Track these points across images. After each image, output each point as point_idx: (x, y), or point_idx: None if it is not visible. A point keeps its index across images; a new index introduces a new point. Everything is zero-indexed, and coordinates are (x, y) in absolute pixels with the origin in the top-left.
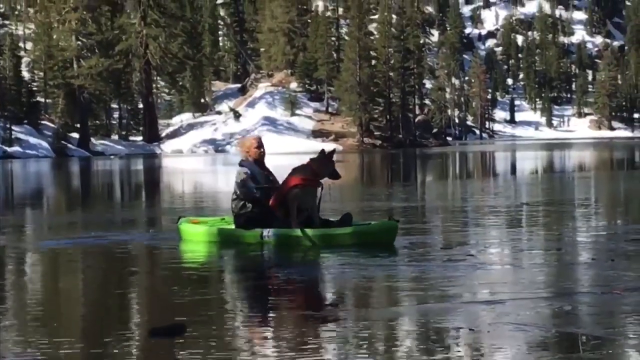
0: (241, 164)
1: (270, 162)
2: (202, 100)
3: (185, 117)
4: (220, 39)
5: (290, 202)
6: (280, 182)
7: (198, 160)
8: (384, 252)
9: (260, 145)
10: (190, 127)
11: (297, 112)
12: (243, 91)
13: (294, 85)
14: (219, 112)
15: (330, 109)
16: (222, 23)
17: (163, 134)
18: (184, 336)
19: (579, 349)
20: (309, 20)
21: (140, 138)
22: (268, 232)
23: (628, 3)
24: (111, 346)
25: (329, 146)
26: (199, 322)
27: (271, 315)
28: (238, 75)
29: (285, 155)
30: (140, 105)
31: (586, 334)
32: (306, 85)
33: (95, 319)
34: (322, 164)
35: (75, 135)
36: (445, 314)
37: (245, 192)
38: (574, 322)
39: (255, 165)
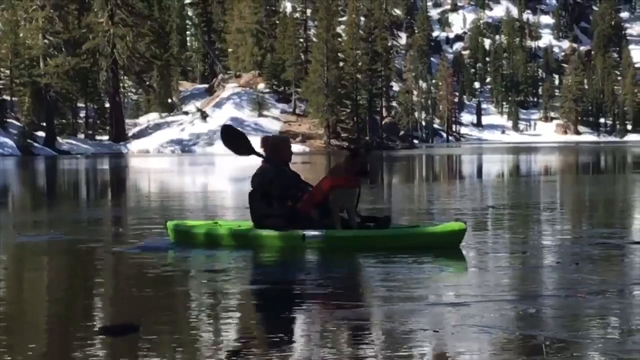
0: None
1: (237, 163)
2: (169, 100)
3: (152, 117)
4: (188, 39)
5: (332, 202)
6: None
7: (165, 160)
8: (349, 253)
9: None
10: (157, 127)
11: (265, 113)
12: (210, 91)
13: (261, 86)
14: (186, 113)
15: (297, 111)
16: (190, 23)
17: (130, 134)
18: (138, 335)
19: (542, 351)
20: (277, 22)
21: (106, 137)
22: (313, 233)
23: (595, 8)
24: (64, 345)
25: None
26: (159, 322)
27: (233, 316)
28: (205, 76)
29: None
30: (107, 105)
31: (550, 336)
32: (274, 87)
33: (50, 317)
34: (349, 163)
35: (42, 134)
36: (409, 316)
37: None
38: (538, 325)
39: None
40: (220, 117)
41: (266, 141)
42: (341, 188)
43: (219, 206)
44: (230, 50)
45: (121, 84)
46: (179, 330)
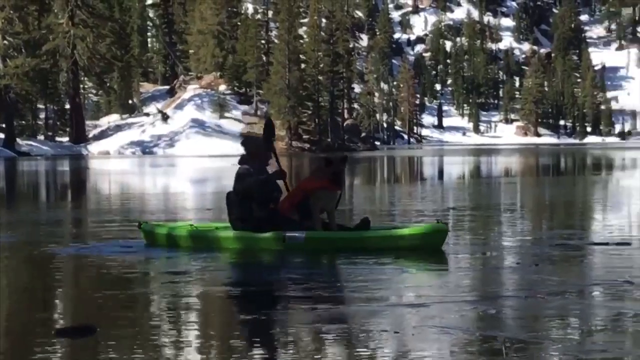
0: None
1: (198, 165)
2: (130, 102)
3: (113, 119)
4: (149, 40)
5: (313, 204)
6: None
7: (126, 162)
8: (310, 255)
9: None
10: (118, 128)
11: (226, 114)
12: (171, 93)
13: (222, 87)
14: (147, 114)
15: (259, 112)
16: (151, 24)
17: (90, 135)
18: (94, 337)
19: (502, 352)
20: (239, 23)
21: (66, 139)
22: (293, 234)
23: (555, 11)
24: (19, 347)
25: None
26: (117, 324)
27: (194, 318)
28: (166, 77)
29: (214, 157)
30: (67, 106)
31: (510, 337)
32: (235, 88)
33: (5, 319)
34: (323, 172)
35: (1, 135)
36: (370, 317)
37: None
38: (498, 326)
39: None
40: (181, 119)
41: (249, 141)
42: (323, 190)
43: (181, 207)
44: (191, 51)
45: (81, 85)
46: (136, 332)
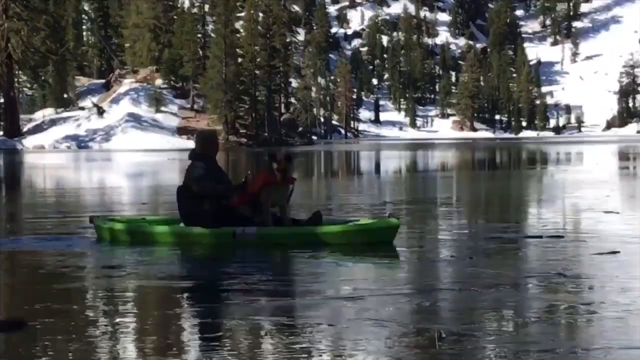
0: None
1: (134, 159)
2: (65, 96)
3: (48, 113)
4: (84, 33)
5: (264, 199)
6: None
7: (61, 156)
8: (245, 248)
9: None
10: (53, 122)
11: (162, 109)
12: (107, 87)
13: (159, 81)
14: (82, 108)
15: (195, 106)
16: (86, 17)
17: (24, 129)
18: (24, 331)
19: (436, 344)
20: (175, 17)
21: (0, 133)
22: (243, 230)
23: (491, 6)
24: None
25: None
26: (48, 319)
27: (122, 311)
28: (102, 71)
29: (150, 152)
30: (1, 100)
31: (444, 329)
32: (171, 82)
33: None
34: (270, 169)
35: None
36: (305, 310)
37: (206, 188)
38: (433, 318)
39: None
40: (117, 113)
41: (199, 135)
42: (273, 185)
43: (117, 202)
44: (127, 45)
45: (16, 79)
46: (67, 327)
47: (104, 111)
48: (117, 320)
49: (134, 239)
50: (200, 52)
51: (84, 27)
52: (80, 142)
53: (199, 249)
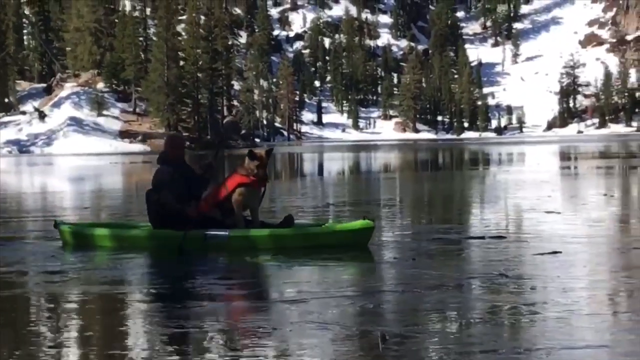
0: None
1: (76, 163)
2: (6, 100)
3: None
4: (25, 37)
5: (235, 201)
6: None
7: (1, 161)
8: (188, 253)
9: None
10: None
11: (104, 112)
12: (48, 91)
13: (100, 85)
14: (24, 112)
15: (137, 110)
16: (26, 21)
17: None
18: None
19: (379, 346)
20: (116, 20)
21: None
22: (215, 233)
23: (432, 7)
24: None
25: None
26: None
27: (61, 317)
28: (43, 75)
29: (92, 156)
30: None
31: (387, 331)
32: (113, 86)
33: None
34: (249, 166)
35: None
36: (250, 313)
37: (166, 199)
38: (376, 320)
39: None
40: (58, 117)
41: (166, 139)
42: (246, 187)
43: (58, 206)
44: (68, 49)
45: None
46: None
47: (45, 115)
48: (54, 326)
49: (102, 243)
50: (142, 56)
51: (24, 31)
52: (21, 147)
53: (142, 253)
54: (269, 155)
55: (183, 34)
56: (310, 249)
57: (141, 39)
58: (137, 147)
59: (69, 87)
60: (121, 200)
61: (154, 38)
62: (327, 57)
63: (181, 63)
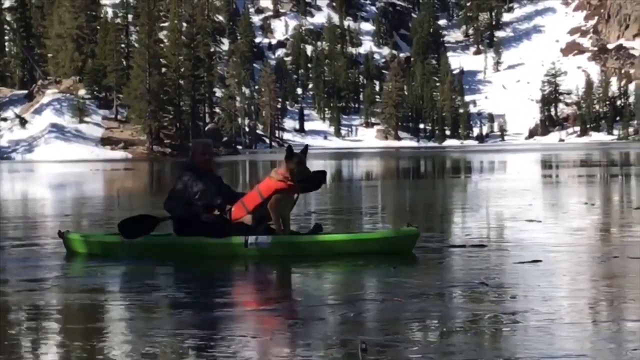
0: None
1: (57, 170)
2: None
3: None
4: (6, 44)
5: (271, 207)
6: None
7: None
8: (154, 261)
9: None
10: None
11: (86, 119)
12: (30, 97)
13: (82, 92)
14: (5, 119)
15: (119, 117)
16: (8, 28)
17: None
18: None
19: (359, 355)
20: (98, 27)
21: None
22: (257, 239)
23: (414, 15)
24: None
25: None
26: None
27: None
28: (25, 81)
29: (73, 163)
30: None
31: (367, 340)
32: (95, 92)
33: None
34: (287, 169)
35: None
36: (229, 322)
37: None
38: (356, 329)
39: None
40: (40, 124)
41: (193, 146)
42: (283, 193)
43: (40, 214)
44: (50, 55)
45: None
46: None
47: (26, 122)
48: (36, 335)
49: (125, 253)
50: (124, 62)
51: (5, 37)
52: (2, 153)
53: (122, 261)
54: (304, 153)
55: (165, 41)
56: (335, 257)
57: (123, 45)
58: (119, 154)
59: (50, 94)
60: (102, 207)
61: (136, 45)
62: (309, 65)
63: (163, 70)
